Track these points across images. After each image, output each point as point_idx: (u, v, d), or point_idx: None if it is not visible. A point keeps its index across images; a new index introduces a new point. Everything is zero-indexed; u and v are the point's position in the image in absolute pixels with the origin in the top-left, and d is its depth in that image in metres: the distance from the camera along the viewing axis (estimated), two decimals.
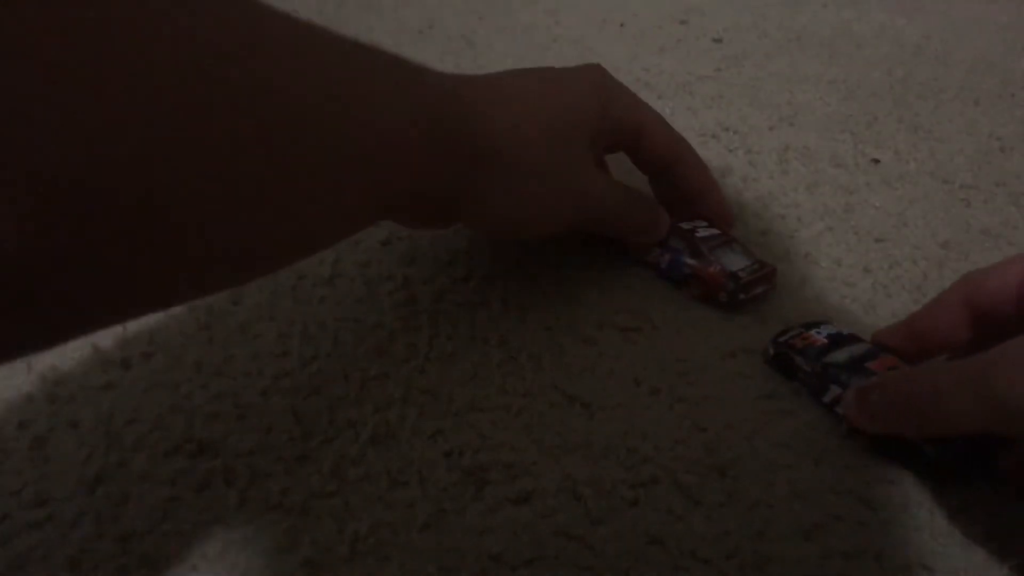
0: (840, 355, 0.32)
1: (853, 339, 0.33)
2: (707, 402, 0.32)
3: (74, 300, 0.18)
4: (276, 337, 0.33)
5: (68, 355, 0.32)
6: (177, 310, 0.34)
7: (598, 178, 0.35)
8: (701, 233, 0.38)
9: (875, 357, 0.32)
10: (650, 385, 0.32)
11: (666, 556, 0.26)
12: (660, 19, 0.67)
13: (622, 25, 0.66)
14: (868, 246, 0.40)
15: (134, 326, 0.33)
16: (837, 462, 0.29)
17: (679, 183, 0.39)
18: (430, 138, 0.28)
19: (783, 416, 0.31)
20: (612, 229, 0.38)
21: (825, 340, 0.33)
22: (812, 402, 0.32)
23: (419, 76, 0.29)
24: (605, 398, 0.31)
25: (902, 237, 0.41)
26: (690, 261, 0.37)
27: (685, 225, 0.38)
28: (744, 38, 0.65)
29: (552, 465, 0.29)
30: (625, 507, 0.28)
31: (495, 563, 0.26)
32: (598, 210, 0.35)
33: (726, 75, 0.59)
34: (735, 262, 0.37)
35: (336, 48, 0.25)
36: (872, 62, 0.61)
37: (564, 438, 0.30)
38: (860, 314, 0.36)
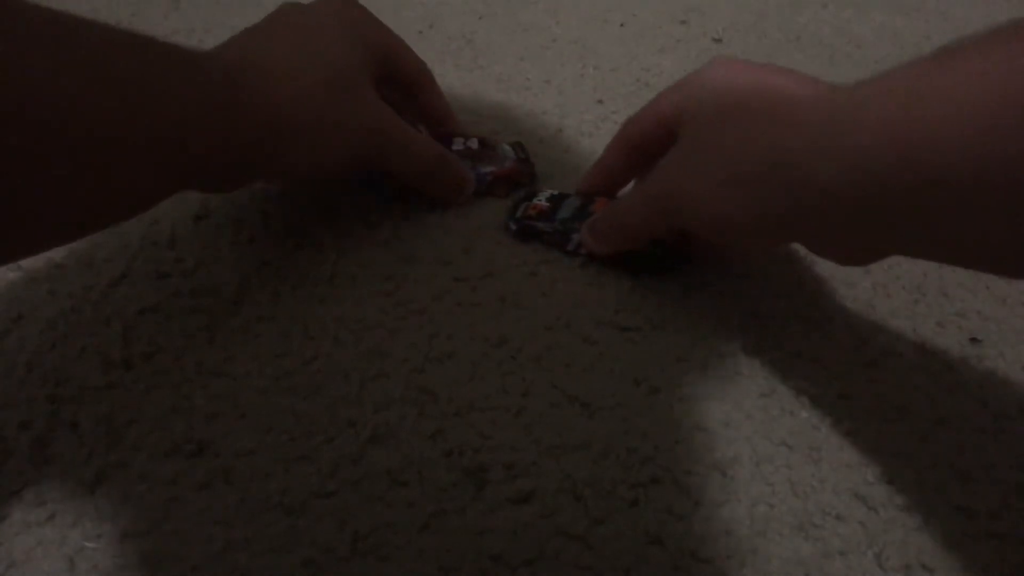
0: (566, 211, 0.39)
1: (564, 196, 0.40)
2: (707, 402, 0.32)
3: None
4: (276, 337, 0.33)
5: (69, 355, 0.32)
6: (177, 310, 0.34)
7: (386, 110, 0.37)
8: (473, 144, 0.43)
9: (592, 203, 0.39)
10: (650, 385, 0.32)
11: (666, 556, 0.26)
12: (660, 19, 0.67)
13: (622, 25, 0.66)
14: None
15: (135, 326, 0.33)
16: (837, 461, 0.29)
17: (426, 102, 0.43)
18: (215, 116, 0.30)
19: (783, 415, 0.31)
20: (417, 179, 0.39)
21: (547, 204, 0.40)
22: (559, 253, 0.38)
23: (198, 60, 0.30)
24: (605, 398, 0.31)
25: None
26: (486, 168, 0.42)
27: (456, 146, 0.42)
28: (744, 38, 0.64)
29: (552, 465, 0.29)
30: (625, 507, 0.28)
31: (495, 563, 0.26)
32: (392, 143, 0.37)
33: None
34: (510, 152, 0.43)
35: (126, 49, 0.27)
36: (872, 62, 0.61)
37: (564, 438, 0.30)
38: (860, 314, 0.36)
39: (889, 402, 0.32)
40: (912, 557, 0.26)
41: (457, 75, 0.55)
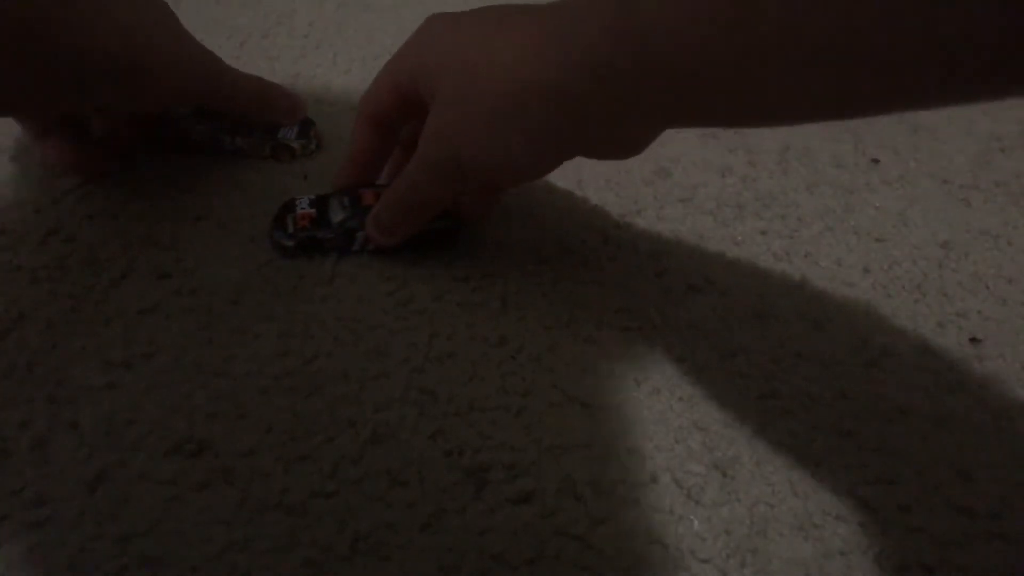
0: (337, 212, 0.37)
1: (324, 197, 0.38)
2: (707, 402, 0.32)
3: None
4: (276, 337, 0.33)
5: (69, 355, 0.32)
6: (177, 310, 0.34)
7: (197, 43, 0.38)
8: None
9: (359, 197, 0.37)
10: (650, 385, 0.32)
11: (666, 556, 0.26)
12: None
13: None
14: (868, 246, 0.40)
15: (134, 326, 0.33)
16: (837, 462, 0.29)
17: None
18: (85, 33, 0.32)
19: (783, 416, 0.31)
20: (254, 100, 0.42)
21: (313, 210, 0.37)
22: (343, 254, 0.37)
23: None
24: (605, 398, 0.31)
25: (902, 237, 0.41)
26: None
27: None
28: None
29: (552, 465, 0.29)
30: (625, 507, 0.28)
31: (495, 563, 0.26)
32: (226, 72, 0.39)
33: None
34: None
35: None
36: None
37: (564, 438, 0.30)
38: (860, 314, 0.36)
39: (889, 402, 0.32)
40: (912, 557, 0.26)
41: None
